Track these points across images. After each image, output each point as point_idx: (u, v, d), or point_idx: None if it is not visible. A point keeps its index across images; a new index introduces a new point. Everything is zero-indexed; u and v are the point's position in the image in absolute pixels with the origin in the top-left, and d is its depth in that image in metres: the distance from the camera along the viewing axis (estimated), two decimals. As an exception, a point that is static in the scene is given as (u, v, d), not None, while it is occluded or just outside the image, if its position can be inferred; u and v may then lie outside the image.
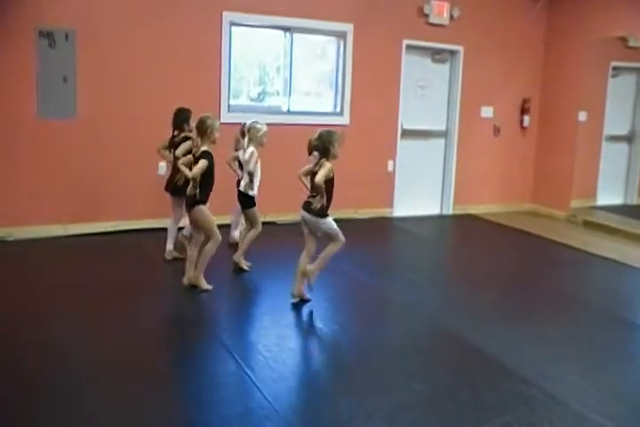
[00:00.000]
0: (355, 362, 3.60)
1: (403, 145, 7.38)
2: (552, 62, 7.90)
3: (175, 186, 4.93)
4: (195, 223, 4.51)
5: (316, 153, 4.13)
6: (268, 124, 5.02)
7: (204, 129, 4.35)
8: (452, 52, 7.52)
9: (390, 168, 7.32)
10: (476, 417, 2.96)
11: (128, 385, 3.12)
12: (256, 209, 4.93)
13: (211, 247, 4.46)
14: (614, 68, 7.74)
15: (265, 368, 3.37)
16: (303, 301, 4.33)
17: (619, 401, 3.21)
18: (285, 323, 4.11)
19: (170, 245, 5.18)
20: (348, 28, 6.83)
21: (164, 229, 5.23)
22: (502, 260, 5.92)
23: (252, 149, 4.81)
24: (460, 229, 7.40)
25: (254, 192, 4.86)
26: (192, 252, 4.54)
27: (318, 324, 4.13)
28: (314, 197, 4.11)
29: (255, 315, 4.36)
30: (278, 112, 6.63)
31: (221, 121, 6.06)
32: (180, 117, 5.05)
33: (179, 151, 4.85)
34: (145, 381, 3.19)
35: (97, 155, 5.87)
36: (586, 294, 4.99)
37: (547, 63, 7.97)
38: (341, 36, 6.86)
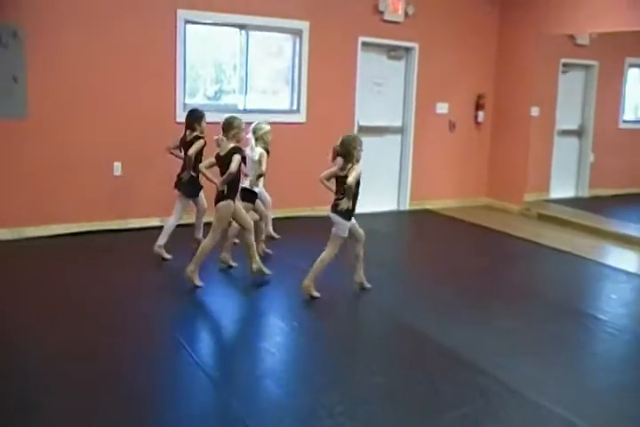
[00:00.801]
0: (313, 358, 3.64)
1: (360, 142, 7.42)
2: (505, 57, 8.03)
3: (180, 182, 5.13)
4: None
5: (339, 159, 4.34)
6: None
7: (230, 129, 4.49)
8: (408, 49, 7.59)
9: (348, 165, 7.35)
10: (435, 410, 3.02)
11: (86, 389, 3.10)
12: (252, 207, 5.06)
13: (208, 244, 4.55)
14: (564, 65, 7.93)
15: (222, 367, 3.38)
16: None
17: (573, 389, 3.31)
18: (244, 320, 4.12)
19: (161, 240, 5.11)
20: (304, 25, 6.83)
21: (126, 230, 5.18)
22: (459, 254, 6.03)
23: (260, 149, 4.99)
24: (417, 224, 7.49)
25: (258, 189, 5.05)
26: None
27: (277, 321, 4.14)
28: (340, 199, 4.33)
29: (214, 312, 4.36)
30: (234, 110, 6.57)
31: (176, 120, 6.10)
32: (192, 118, 5.20)
33: (191, 150, 5.03)
34: (105, 383, 3.17)
35: (50, 155, 5.74)
36: (539, 286, 5.12)
37: (500, 58, 8.09)
38: (297, 33, 6.87)
